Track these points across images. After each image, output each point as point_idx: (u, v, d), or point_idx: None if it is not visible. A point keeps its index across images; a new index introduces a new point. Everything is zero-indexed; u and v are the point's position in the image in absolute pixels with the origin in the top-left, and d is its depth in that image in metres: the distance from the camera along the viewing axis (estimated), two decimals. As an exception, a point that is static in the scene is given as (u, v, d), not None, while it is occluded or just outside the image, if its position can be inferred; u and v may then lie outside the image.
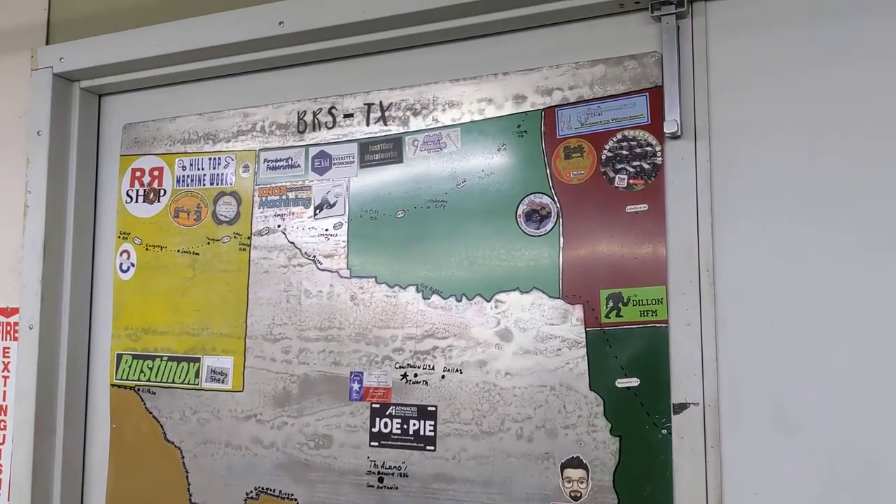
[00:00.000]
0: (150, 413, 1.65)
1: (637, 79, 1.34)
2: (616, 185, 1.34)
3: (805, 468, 1.20)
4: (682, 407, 1.26)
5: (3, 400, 1.70)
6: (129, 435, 1.67)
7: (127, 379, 1.68)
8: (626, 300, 1.31)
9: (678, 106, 1.28)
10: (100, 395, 1.71)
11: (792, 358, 1.22)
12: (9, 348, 1.71)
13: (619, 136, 1.34)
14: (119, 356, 1.69)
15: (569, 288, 1.35)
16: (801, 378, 1.21)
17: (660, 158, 1.31)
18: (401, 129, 1.51)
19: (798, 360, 1.21)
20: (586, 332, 1.34)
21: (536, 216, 1.39)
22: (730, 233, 1.27)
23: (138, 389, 1.67)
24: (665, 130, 1.27)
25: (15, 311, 1.70)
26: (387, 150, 1.52)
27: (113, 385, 1.69)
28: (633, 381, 1.30)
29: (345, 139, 1.55)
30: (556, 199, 1.38)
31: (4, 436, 1.70)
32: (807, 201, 1.23)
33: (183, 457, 1.61)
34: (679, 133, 1.28)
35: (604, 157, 1.35)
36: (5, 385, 1.71)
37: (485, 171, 1.43)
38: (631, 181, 1.33)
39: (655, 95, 1.32)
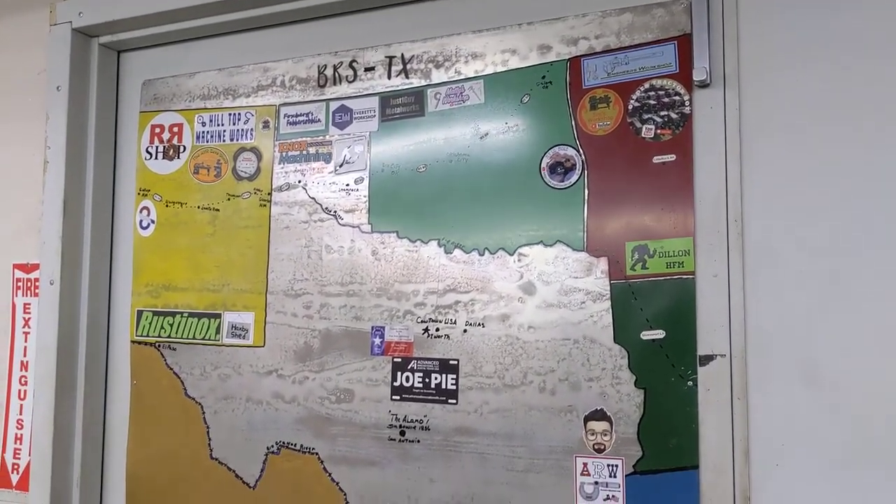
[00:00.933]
0: (171, 369, 1.65)
1: (665, 27, 1.31)
2: (643, 135, 1.32)
3: (832, 421, 1.18)
4: (708, 359, 1.25)
5: (25, 356, 1.71)
6: (150, 391, 1.67)
7: (147, 335, 1.68)
8: (652, 252, 1.30)
9: (707, 53, 1.25)
10: (120, 351, 1.71)
11: (821, 310, 1.20)
12: (29, 304, 1.71)
13: (646, 85, 1.32)
14: (139, 313, 1.69)
15: (593, 241, 1.34)
16: (830, 331, 1.19)
17: (688, 108, 1.29)
18: (423, 82, 1.49)
19: (827, 312, 1.20)
20: (611, 284, 1.32)
21: (561, 168, 1.37)
22: (759, 183, 1.24)
23: (159, 346, 1.67)
24: (694, 78, 1.25)
25: (35, 266, 1.70)
26: (408, 104, 1.50)
27: (133, 341, 1.70)
28: (659, 334, 1.28)
29: (366, 93, 1.54)
30: (581, 150, 1.36)
31: (26, 391, 1.70)
32: (839, 152, 1.20)
33: (203, 412, 1.62)
34: (708, 81, 1.26)
35: (630, 107, 1.33)
36: (26, 341, 1.71)
37: (508, 123, 1.42)
38: (658, 131, 1.31)
39: (684, 43, 1.29)
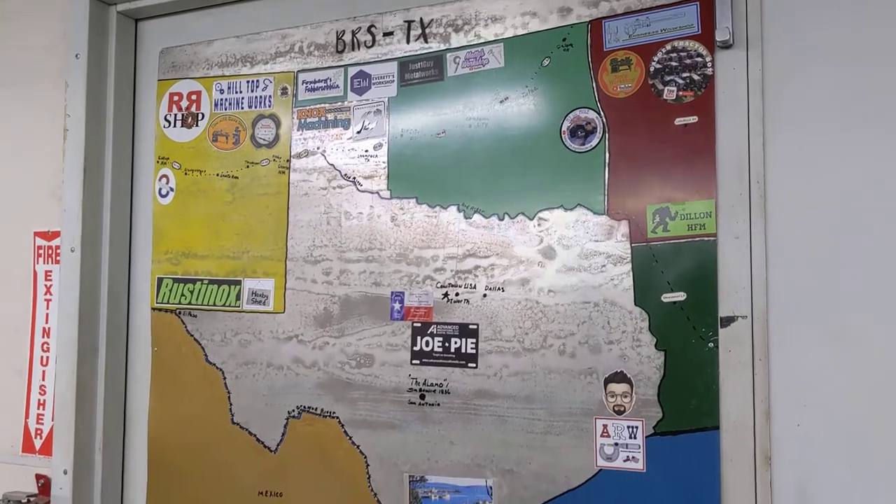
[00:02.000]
0: (192, 335, 1.67)
1: (687, -12, 1.31)
2: (665, 97, 1.31)
3: (855, 381, 1.18)
4: (729, 320, 1.25)
5: (47, 322, 1.72)
6: (171, 357, 1.68)
7: (168, 302, 1.69)
8: (673, 214, 1.29)
9: (730, 14, 1.25)
10: (141, 318, 1.73)
11: (843, 271, 1.20)
12: (51, 271, 1.72)
13: (668, 47, 1.31)
14: (160, 280, 1.70)
15: (614, 204, 1.34)
16: (852, 290, 1.19)
17: (710, 69, 1.28)
18: (442, 47, 1.48)
19: (850, 272, 1.20)
20: (632, 247, 1.32)
21: (581, 132, 1.37)
22: (782, 144, 1.24)
23: (179, 312, 1.68)
24: (717, 39, 1.24)
25: (56, 234, 1.71)
26: (427, 69, 1.50)
27: (154, 308, 1.71)
28: (680, 296, 1.29)
29: (384, 58, 1.53)
30: (602, 113, 1.36)
31: (48, 357, 1.72)
32: (863, 111, 1.20)
33: (224, 378, 1.63)
34: (731, 42, 1.25)
35: (652, 69, 1.32)
36: (48, 308, 1.73)
37: (528, 87, 1.41)
38: (680, 93, 1.30)
39: (706, 5, 1.28)
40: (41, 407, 1.71)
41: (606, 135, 1.35)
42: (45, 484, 1.66)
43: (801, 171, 1.23)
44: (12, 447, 1.73)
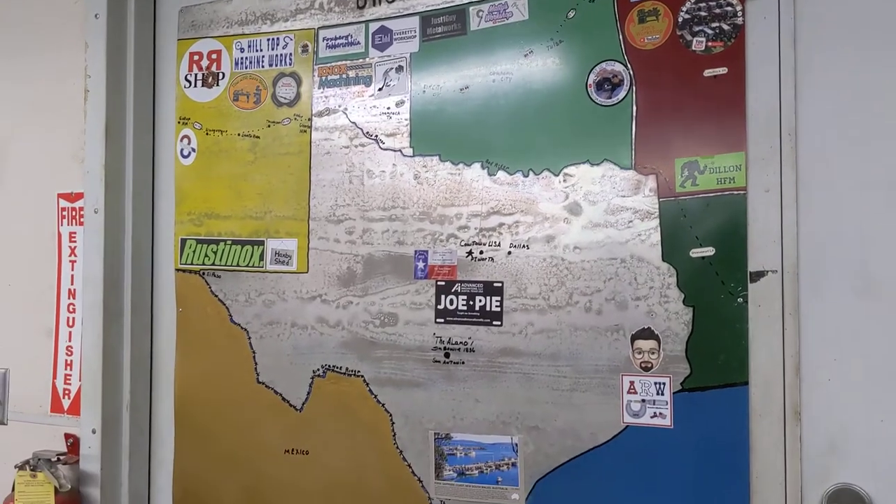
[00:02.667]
0: (216, 296, 1.67)
1: (717, -66, 1.27)
2: (693, 48, 1.28)
3: (886, 335, 1.17)
4: (759, 275, 1.23)
5: (72, 284, 1.73)
6: (196, 318, 1.69)
7: (191, 263, 1.69)
8: (702, 168, 1.27)
9: (762, -40, 1.21)
10: (165, 279, 1.73)
11: (876, 223, 1.18)
12: (75, 233, 1.73)
13: (697, -5, 1.28)
14: (183, 241, 1.70)
15: (642, 158, 1.32)
16: (885, 244, 1.17)
17: (740, 18, 1.25)
18: (464, 0, 1.46)
19: (882, 224, 1.17)
20: (659, 202, 1.30)
21: (608, 85, 1.34)
22: (814, 94, 1.21)
23: (203, 273, 1.68)
24: (748, -14, 1.21)
25: (80, 195, 1.71)
26: (450, 23, 1.47)
27: (178, 269, 1.71)
28: (709, 251, 1.27)
29: (406, 13, 1.51)
30: (628, 65, 1.33)
31: (74, 318, 1.73)
32: (898, 59, 1.17)
33: (249, 338, 1.63)
34: (762, -11, 1.22)
35: (680, 19, 1.29)
36: (73, 269, 1.73)
37: (553, 40, 1.39)
38: (709, 44, 1.27)
39: (737, -49, 1.25)
40: (68, 367, 1.73)
41: (633, 88, 1.32)
42: (73, 443, 1.68)
43: (834, 123, 1.20)
44: (41, 407, 1.75)
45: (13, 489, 1.61)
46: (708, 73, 1.27)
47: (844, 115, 1.19)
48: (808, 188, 1.21)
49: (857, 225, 1.18)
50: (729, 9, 1.25)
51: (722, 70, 1.26)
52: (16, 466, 1.61)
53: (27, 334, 1.78)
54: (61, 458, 1.64)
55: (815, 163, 1.21)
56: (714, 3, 1.27)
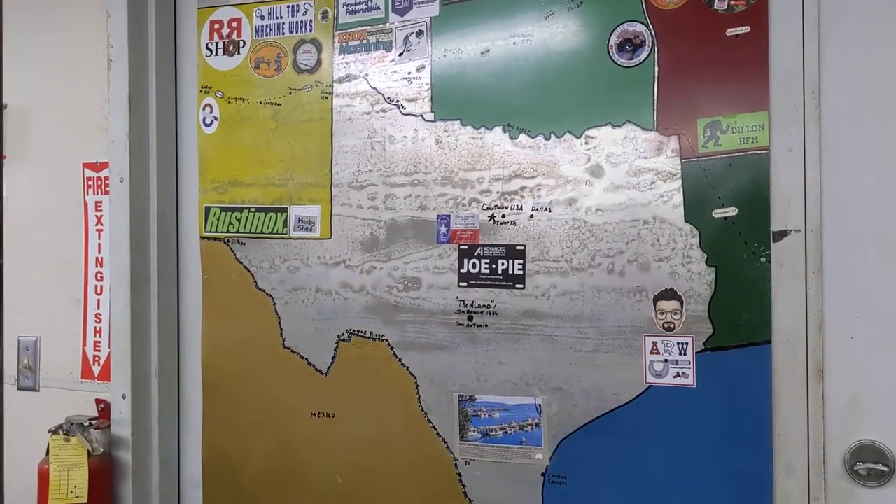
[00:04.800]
0: (241, 263, 1.69)
1: None
2: (716, 7, 1.28)
3: (911, 293, 1.17)
4: (782, 234, 1.23)
5: (99, 252, 1.76)
6: (221, 285, 1.71)
7: (216, 231, 1.71)
8: (724, 128, 1.27)
9: (786, -84, 1.20)
10: (190, 247, 1.75)
11: (901, 181, 1.17)
12: (101, 202, 1.75)
13: (720, -47, 1.27)
14: (207, 209, 1.72)
15: (664, 119, 1.32)
16: (910, 202, 1.17)
17: (764, -24, 1.24)
18: (485, -37, 1.45)
19: (908, 183, 1.17)
20: (682, 163, 1.31)
21: (629, 46, 1.34)
22: (838, 52, 1.20)
23: (227, 241, 1.70)
24: (772, -57, 1.20)
25: (105, 165, 1.73)
26: (470, -13, 1.47)
27: (203, 237, 1.73)
28: (731, 211, 1.27)
29: (426, -23, 1.51)
30: (650, 26, 1.32)
31: (102, 286, 1.76)
32: (925, 14, 1.15)
33: (274, 304, 1.65)
34: (786, -54, 1.20)
35: (703, -23, 1.28)
36: (99, 238, 1.76)
37: (574, 1, 1.38)
38: (732, 2, 1.26)
39: None
40: (97, 335, 1.76)
41: (655, 48, 1.32)
42: (104, 408, 1.72)
43: (858, 81, 1.20)
44: (72, 374, 1.78)
45: (47, 453, 1.65)
46: (730, 32, 1.26)
47: (869, 73, 1.19)
48: (831, 147, 1.21)
49: (880, 184, 1.18)
50: (752, -34, 1.24)
51: (744, 29, 1.25)
52: (49, 431, 1.65)
53: (56, 303, 1.81)
54: (93, 422, 1.67)
55: (838, 122, 1.20)
56: (737, -39, 1.26)
